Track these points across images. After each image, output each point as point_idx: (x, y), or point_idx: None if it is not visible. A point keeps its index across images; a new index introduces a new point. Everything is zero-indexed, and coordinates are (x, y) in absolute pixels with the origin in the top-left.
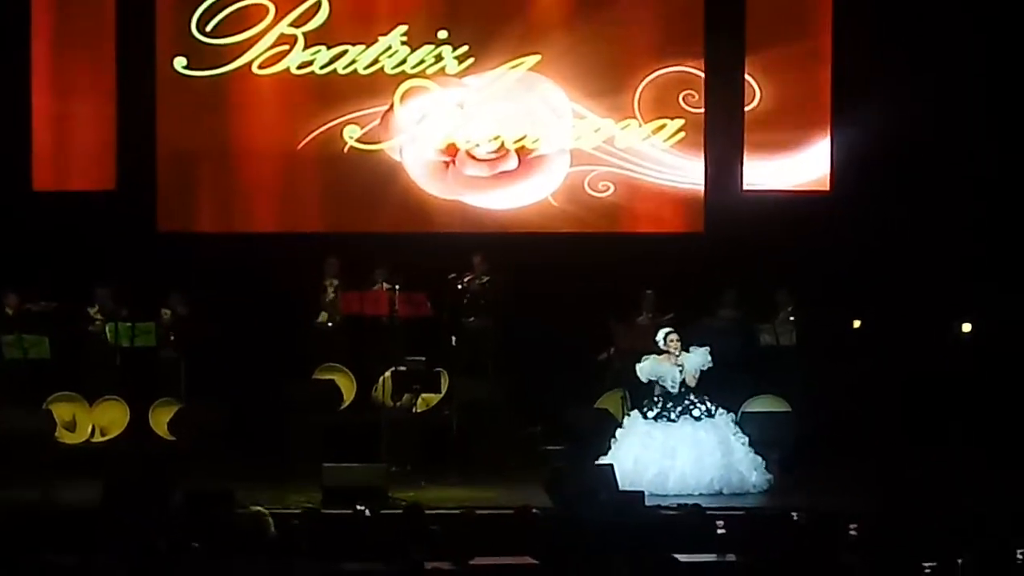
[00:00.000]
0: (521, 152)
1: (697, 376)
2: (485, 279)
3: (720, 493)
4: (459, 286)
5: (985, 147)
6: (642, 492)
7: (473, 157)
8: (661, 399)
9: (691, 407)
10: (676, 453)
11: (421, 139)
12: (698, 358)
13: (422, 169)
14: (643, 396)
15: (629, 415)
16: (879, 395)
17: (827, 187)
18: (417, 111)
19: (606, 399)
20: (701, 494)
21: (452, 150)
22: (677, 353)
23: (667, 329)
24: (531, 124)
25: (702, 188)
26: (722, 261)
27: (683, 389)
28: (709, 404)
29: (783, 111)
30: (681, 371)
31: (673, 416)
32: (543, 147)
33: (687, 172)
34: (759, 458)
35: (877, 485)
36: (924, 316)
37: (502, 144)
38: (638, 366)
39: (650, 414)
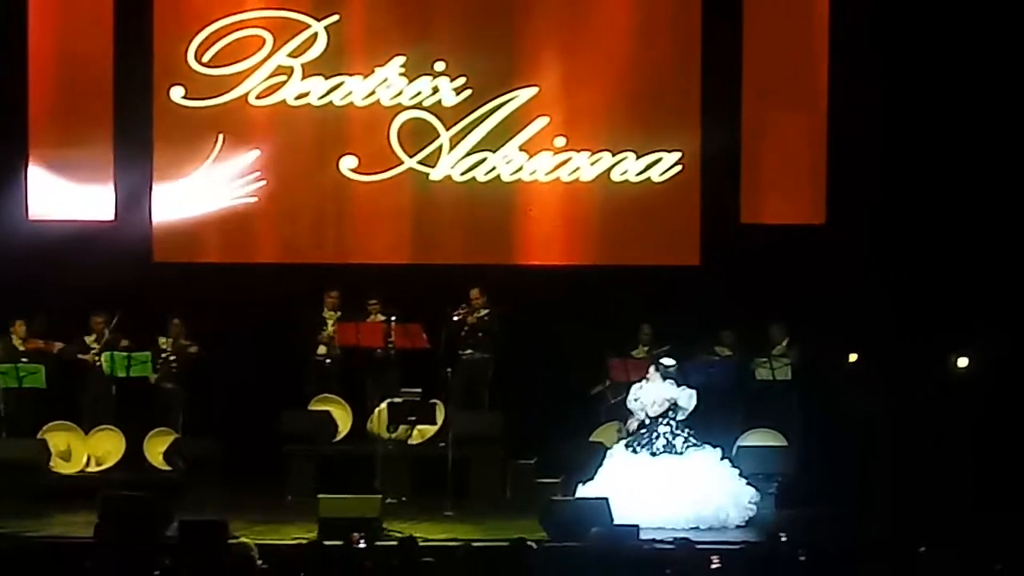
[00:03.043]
0: (517, 184)
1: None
2: (483, 312)
3: (696, 528)
4: (455, 318)
5: (981, 181)
6: (637, 526)
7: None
8: (647, 431)
9: (673, 440)
10: (657, 487)
11: (417, 171)
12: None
13: (418, 200)
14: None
15: (612, 447)
16: (875, 429)
17: (821, 219)
18: (413, 143)
19: (601, 432)
20: (682, 528)
21: (448, 182)
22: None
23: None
24: (527, 156)
25: (698, 221)
26: (718, 294)
27: (666, 420)
28: (692, 437)
29: (779, 144)
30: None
31: (655, 449)
32: (539, 179)
33: (683, 205)
34: (748, 492)
35: (875, 518)
36: (920, 350)
37: (498, 176)
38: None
39: (639, 448)
